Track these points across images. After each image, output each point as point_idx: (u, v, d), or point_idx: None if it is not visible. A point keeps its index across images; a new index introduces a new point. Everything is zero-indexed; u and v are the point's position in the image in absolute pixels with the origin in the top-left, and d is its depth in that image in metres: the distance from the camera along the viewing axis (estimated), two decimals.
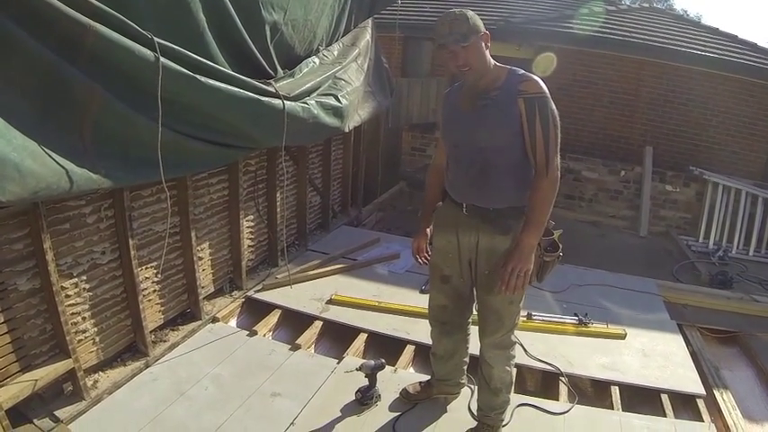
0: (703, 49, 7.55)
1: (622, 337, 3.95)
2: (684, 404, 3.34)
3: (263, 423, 2.88)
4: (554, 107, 2.28)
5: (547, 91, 2.28)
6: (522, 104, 2.27)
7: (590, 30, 7.93)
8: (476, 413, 2.91)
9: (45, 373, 2.63)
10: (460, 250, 2.57)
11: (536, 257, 2.39)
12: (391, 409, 3.05)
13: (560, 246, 2.51)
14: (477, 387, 2.92)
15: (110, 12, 2.34)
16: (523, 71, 2.36)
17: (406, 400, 3.10)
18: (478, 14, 2.39)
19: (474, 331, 2.86)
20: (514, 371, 2.81)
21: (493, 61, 2.41)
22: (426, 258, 2.86)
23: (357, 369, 3.07)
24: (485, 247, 2.48)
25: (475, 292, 2.70)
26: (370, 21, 5.67)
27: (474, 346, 2.90)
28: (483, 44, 2.33)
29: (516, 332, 2.70)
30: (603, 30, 8.00)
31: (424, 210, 2.92)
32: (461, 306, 2.79)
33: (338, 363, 3.44)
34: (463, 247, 2.55)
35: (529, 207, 2.36)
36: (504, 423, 2.86)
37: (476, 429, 2.85)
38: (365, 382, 3.06)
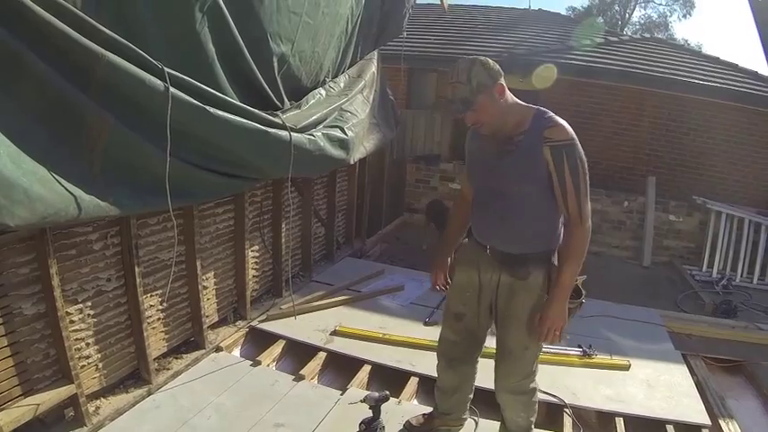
0: (704, 78, 7.63)
1: (626, 368, 3.93)
2: None
3: None
4: (581, 152, 2.22)
5: (574, 135, 2.21)
6: (548, 153, 2.20)
7: (592, 61, 8.03)
8: None
9: (47, 398, 2.62)
10: (481, 288, 2.54)
11: None
12: None
13: (583, 292, 2.46)
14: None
15: (122, 41, 2.40)
16: (550, 114, 2.27)
17: None
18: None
19: (482, 367, 2.85)
20: (533, 418, 2.73)
21: (516, 102, 2.33)
22: (445, 285, 2.84)
23: (361, 401, 3.05)
24: (505, 289, 2.45)
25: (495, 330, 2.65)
26: (375, 53, 5.77)
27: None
28: (495, 96, 2.24)
29: None
30: (605, 61, 8.10)
31: (445, 241, 2.91)
32: (472, 345, 2.75)
33: (342, 394, 3.42)
34: (484, 285, 2.52)
35: (562, 257, 2.32)
36: None
37: None
38: (369, 413, 3.03)
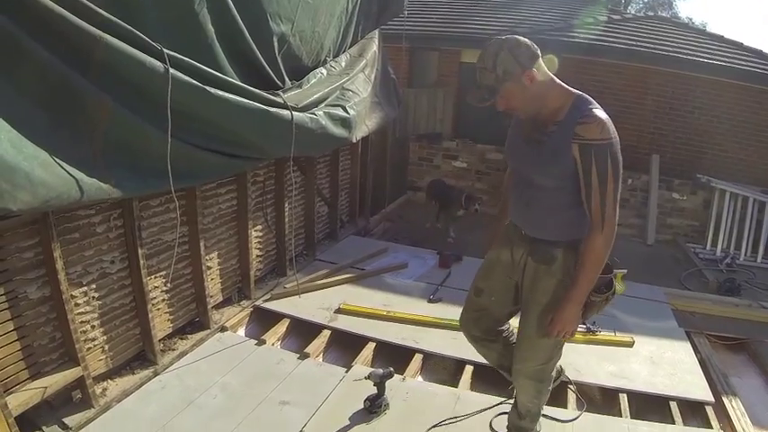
0: (709, 56, 7.53)
1: (630, 344, 3.95)
2: (693, 411, 3.33)
3: (271, 431, 2.89)
4: (617, 153, 2.04)
5: (609, 135, 2.04)
6: (576, 151, 2.05)
7: (596, 39, 7.95)
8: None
9: (54, 381, 2.65)
10: (512, 268, 2.48)
11: None
12: (400, 417, 3.05)
13: (614, 287, 2.33)
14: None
15: (120, 24, 2.38)
16: (589, 106, 2.11)
17: None
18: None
19: None
20: (544, 404, 2.71)
21: (556, 85, 2.18)
22: None
23: (366, 377, 3.07)
24: (530, 272, 2.39)
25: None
26: (376, 32, 5.72)
27: None
28: (524, 83, 2.08)
29: None
30: (609, 39, 8.01)
31: (494, 224, 2.83)
32: (484, 322, 2.68)
33: (347, 371, 3.45)
34: (515, 265, 2.46)
35: (579, 262, 2.19)
36: None
37: None
38: (374, 390, 3.06)
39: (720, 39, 8.64)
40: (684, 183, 7.59)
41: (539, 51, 2.12)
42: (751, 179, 7.54)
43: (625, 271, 2.38)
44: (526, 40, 2.11)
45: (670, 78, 7.68)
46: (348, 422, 2.98)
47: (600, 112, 2.09)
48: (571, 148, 2.06)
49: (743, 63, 7.49)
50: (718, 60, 7.45)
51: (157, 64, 2.55)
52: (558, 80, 2.19)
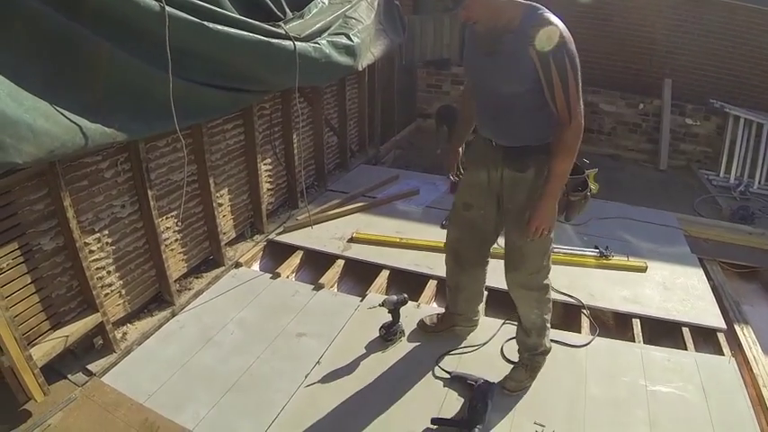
0: None
1: (643, 269, 3.95)
2: (705, 338, 3.35)
3: (289, 363, 2.95)
4: (573, 51, 2.10)
5: (562, 33, 2.09)
6: (533, 53, 2.10)
7: None
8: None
9: (75, 329, 2.69)
10: (490, 184, 2.54)
11: (562, 196, 2.38)
12: (415, 344, 3.11)
13: (589, 185, 2.47)
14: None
15: None
16: (540, 11, 2.14)
17: (424, 332, 3.17)
18: None
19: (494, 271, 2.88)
20: (548, 316, 2.76)
21: None
22: (458, 174, 2.94)
23: (380, 305, 3.08)
24: (508, 183, 2.46)
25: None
26: None
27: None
28: None
29: None
30: None
31: (455, 135, 2.98)
32: (477, 240, 2.78)
33: (361, 300, 3.49)
34: (492, 180, 2.52)
35: (551, 157, 2.28)
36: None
37: (513, 368, 2.87)
38: (389, 318, 3.10)
39: None
40: (697, 108, 7.38)
41: None
42: (766, 105, 7.33)
43: (596, 170, 2.48)
44: None
45: (681, 1, 7.39)
46: (364, 351, 3.05)
47: (551, 16, 2.14)
48: (528, 51, 2.11)
49: None
50: None
51: (152, 3, 2.47)
52: None
